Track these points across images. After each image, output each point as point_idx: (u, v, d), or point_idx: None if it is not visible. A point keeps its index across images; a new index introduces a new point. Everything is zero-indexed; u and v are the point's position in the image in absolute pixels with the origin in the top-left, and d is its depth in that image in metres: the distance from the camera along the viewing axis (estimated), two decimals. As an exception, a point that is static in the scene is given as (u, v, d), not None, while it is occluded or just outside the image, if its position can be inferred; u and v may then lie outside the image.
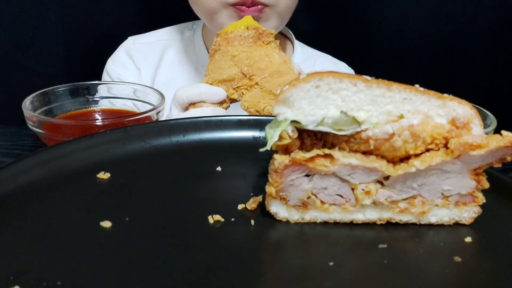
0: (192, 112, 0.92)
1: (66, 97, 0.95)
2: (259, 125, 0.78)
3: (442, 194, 0.57)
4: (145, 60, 1.39)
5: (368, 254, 0.52)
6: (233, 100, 0.95)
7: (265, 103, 0.90)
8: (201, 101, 0.93)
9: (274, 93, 0.90)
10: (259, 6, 1.12)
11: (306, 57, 1.43)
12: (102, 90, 1.00)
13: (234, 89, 0.93)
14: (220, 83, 0.94)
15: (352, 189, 0.56)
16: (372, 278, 0.49)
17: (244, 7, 1.11)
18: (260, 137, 0.78)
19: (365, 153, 0.55)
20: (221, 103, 0.94)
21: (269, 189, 0.56)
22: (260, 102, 0.90)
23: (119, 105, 1.00)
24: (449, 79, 1.72)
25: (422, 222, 0.58)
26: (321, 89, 0.53)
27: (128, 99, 1.00)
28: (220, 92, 0.93)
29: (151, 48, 1.40)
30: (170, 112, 0.97)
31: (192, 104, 0.94)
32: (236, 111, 0.89)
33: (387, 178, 0.55)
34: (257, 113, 0.91)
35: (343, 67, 1.45)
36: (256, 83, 0.92)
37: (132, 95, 1.00)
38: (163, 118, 0.92)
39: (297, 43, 1.45)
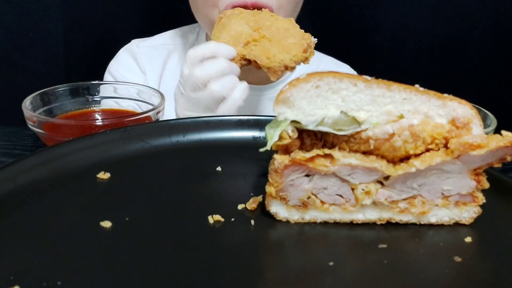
0: (209, 64, 0.90)
1: (66, 97, 0.95)
2: (259, 125, 0.78)
3: (442, 194, 0.57)
4: (150, 64, 1.37)
5: (368, 254, 0.52)
6: (244, 59, 0.94)
7: (275, 51, 0.92)
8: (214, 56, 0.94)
9: (282, 42, 0.93)
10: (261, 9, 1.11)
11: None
12: (104, 90, 1.00)
13: (243, 46, 0.94)
14: (228, 42, 0.95)
15: (352, 189, 0.56)
16: (372, 278, 0.49)
17: None
18: (260, 137, 0.78)
19: (365, 153, 0.55)
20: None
21: (269, 189, 0.56)
22: (270, 50, 0.92)
23: (124, 105, 1.00)
24: (449, 79, 1.72)
25: (422, 222, 0.58)
26: (321, 89, 0.53)
27: (130, 99, 1.00)
28: (229, 48, 0.93)
29: (156, 52, 1.39)
30: (181, 73, 0.95)
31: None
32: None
33: (387, 178, 0.55)
34: (267, 60, 0.90)
35: (346, 69, 1.45)
36: (264, 36, 0.95)
37: (134, 95, 1.00)
38: (164, 118, 0.92)
39: None
